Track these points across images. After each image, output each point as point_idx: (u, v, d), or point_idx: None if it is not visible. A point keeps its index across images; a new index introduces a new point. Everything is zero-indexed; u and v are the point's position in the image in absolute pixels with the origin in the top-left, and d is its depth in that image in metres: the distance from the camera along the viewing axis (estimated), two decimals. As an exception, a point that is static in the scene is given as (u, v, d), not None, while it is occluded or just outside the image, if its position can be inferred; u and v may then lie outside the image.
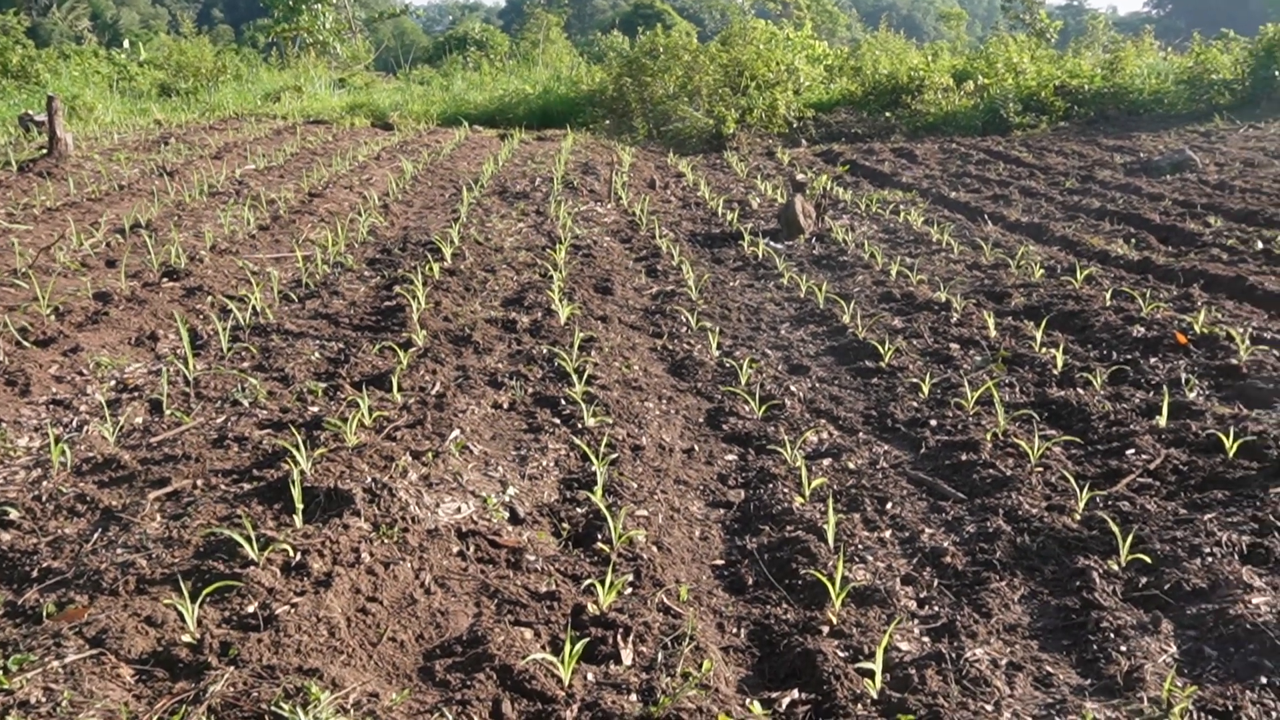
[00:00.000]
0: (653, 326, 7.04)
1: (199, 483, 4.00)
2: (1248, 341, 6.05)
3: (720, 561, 3.89)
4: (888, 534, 4.07)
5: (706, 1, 30.83)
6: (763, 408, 5.36)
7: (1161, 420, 4.96)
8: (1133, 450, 4.69)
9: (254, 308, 6.70)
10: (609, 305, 7.37)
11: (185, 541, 3.52)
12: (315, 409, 4.95)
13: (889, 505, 4.29)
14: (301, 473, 3.90)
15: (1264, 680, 2.96)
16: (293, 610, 3.04)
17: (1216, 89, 20.16)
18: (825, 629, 3.32)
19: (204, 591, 3.08)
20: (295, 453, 3.99)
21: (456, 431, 4.61)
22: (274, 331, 6.31)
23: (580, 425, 4.89)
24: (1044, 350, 6.16)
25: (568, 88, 24.00)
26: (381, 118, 22.04)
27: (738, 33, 21.95)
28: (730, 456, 4.89)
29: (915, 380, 5.75)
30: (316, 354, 5.91)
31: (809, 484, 4.30)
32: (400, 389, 5.19)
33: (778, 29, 23.21)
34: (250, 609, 3.07)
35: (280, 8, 30.70)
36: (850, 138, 19.58)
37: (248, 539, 3.32)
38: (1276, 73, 19.34)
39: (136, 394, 5.26)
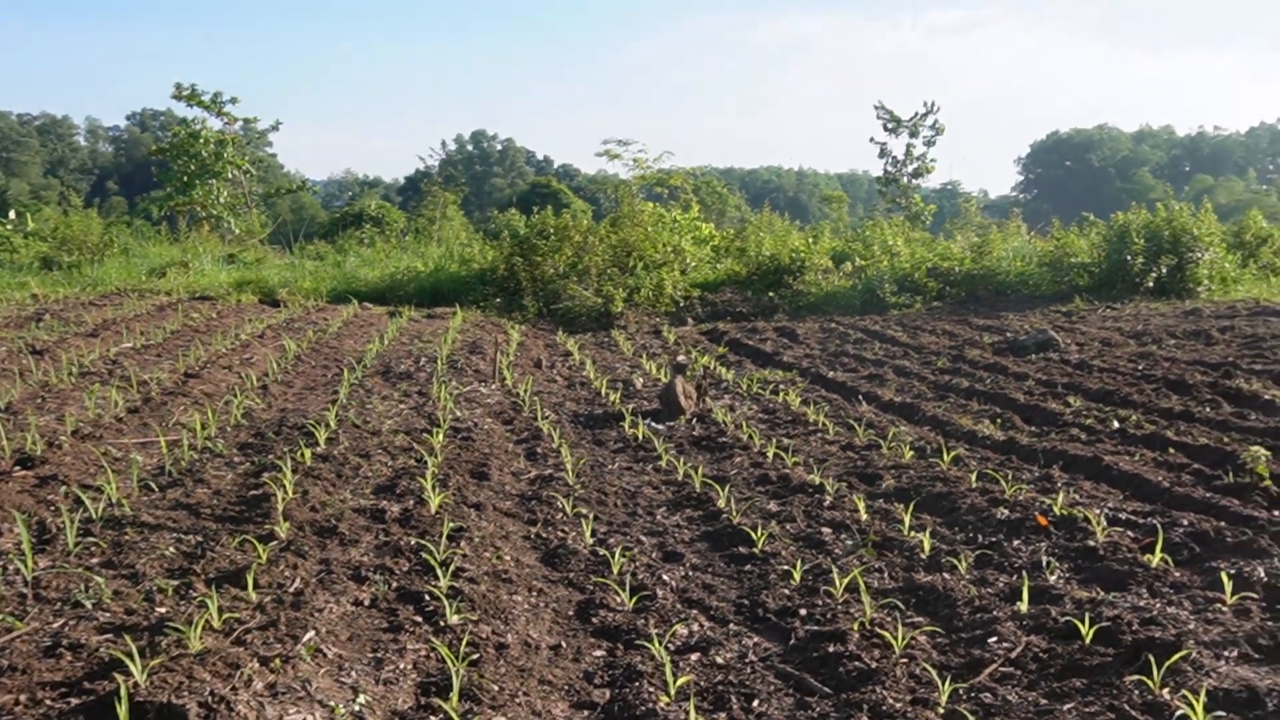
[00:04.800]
0: (528, 513, 6.96)
1: (22, 698, 3.75)
2: (1104, 522, 6.22)
3: (579, 770, 3.75)
4: (751, 735, 3.99)
5: (600, 184, 31.70)
6: (634, 599, 5.29)
7: (1023, 606, 5.03)
8: (995, 638, 4.72)
9: (110, 498, 6.45)
10: (484, 491, 7.29)
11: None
12: (163, 610, 4.73)
13: (755, 702, 4.22)
14: (135, 685, 3.68)
15: None
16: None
17: (1076, 271, 21.24)
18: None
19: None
20: (130, 663, 3.78)
21: (311, 633, 4.44)
22: (129, 524, 6.07)
23: (443, 623, 4.75)
24: (912, 534, 6.23)
25: (460, 265, 24.25)
26: (270, 294, 21.93)
27: (627, 214, 22.59)
28: (599, 652, 4.79)
29: (787, 567, 5.75)
30: (172, 549, 5.69)
31: (674, 682, 4.22)
32: (257, 586, 5.00)
33: (665, 211, 23.98)
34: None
35: (174, 182, 30.71)
36: (735, 316, 20.06)
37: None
38: (1129, 257, 20.47)
39: (-29, 596, 4.97)
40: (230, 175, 30.94)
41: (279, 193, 43.17)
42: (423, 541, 5.77)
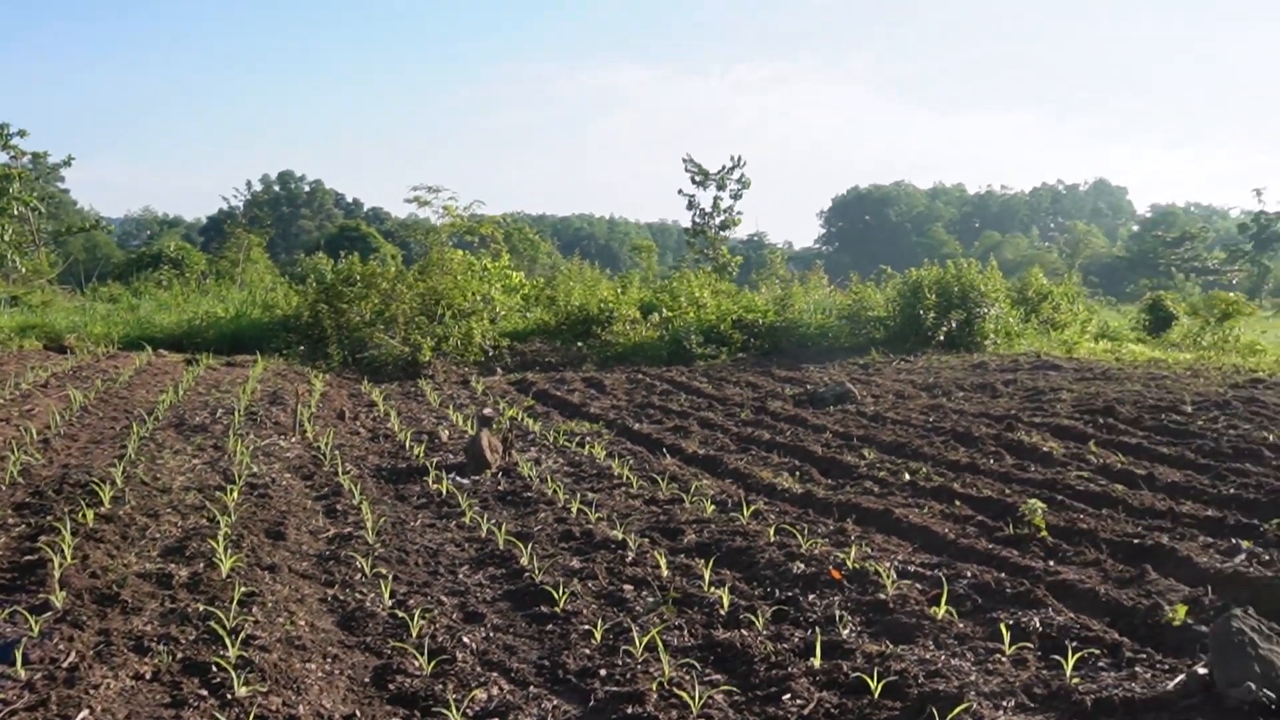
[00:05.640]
0: (325, 574, 6.79)
1: None
2: (894, 575, 6.49)
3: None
4: (547, 802, 3.98)
5: (411, 229, 31.44)
6: (433, 662, 5.22)
7: (816, 661, 5.19)
8: (789, 695, 4.86)
9: None
10: (280, 552, 7.07)
11: None
12: (-81, 692, 4.41)
13: (552, 768, 4.22)
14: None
15: None
16: None
17: (873, 325, 22.22)
18: None
19: None
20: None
21: (85, 712, 4.21)
22: (-115, 596, 5.65)
23: (230, 695, 4.58)
24: (712, 590, 6.36)
25: (263, 311, 23.59)
26: (57, 339, 20.82)
27: (436, 262, 22.42)
28: (394, 720, 4.71)
29: (589, 626, 5.79)
30: (-68, 622, 5.32)
31: (470, 750, 4.18)
32: (27, 663, 4.72)
33: (475, 259, 23.90)
34: None
35: (-46, 219, 28.83)
36: (544, 366, 20.12)
37: None
38: (921, 311, 21.54)
39: None
40: (16, 212, 29.25)
41: (70, 231, 41.13)
42: (212, 608, 5.56)
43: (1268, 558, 6.81)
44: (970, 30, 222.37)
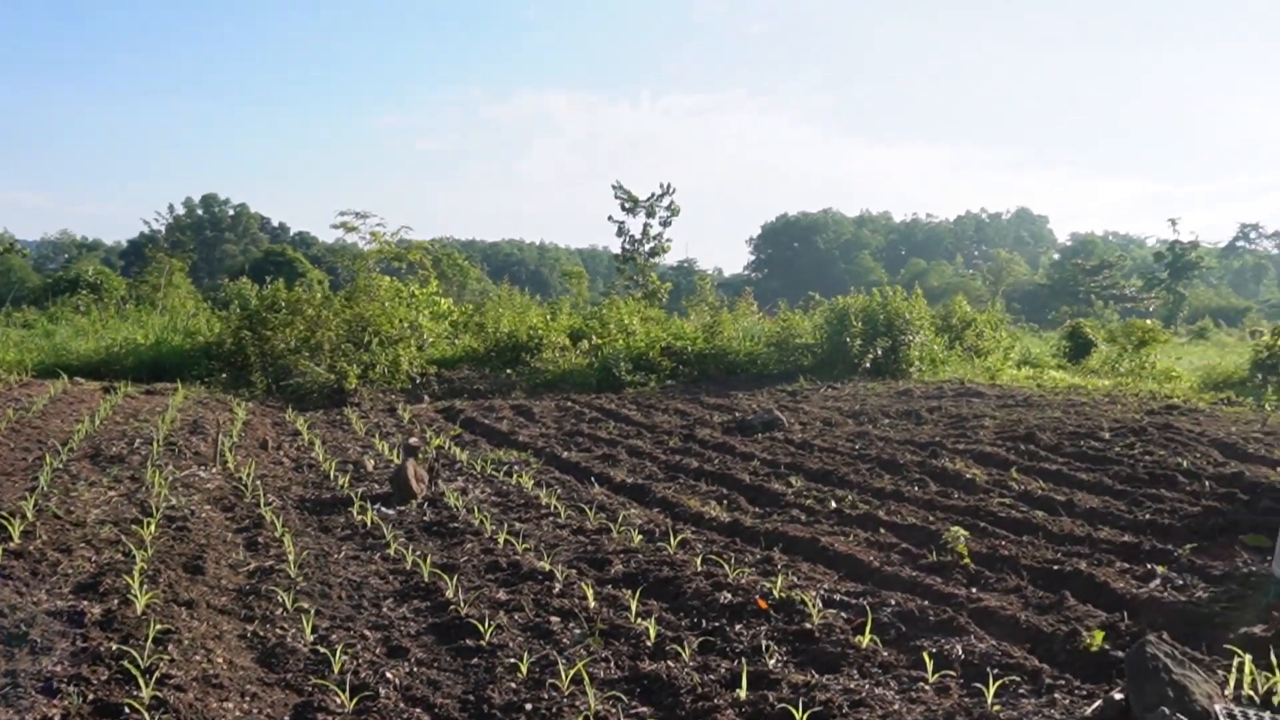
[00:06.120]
0: (245, 610, 6.65)
1: None
2: (820, 604, 6.53)
3: None
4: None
5: (338, 254, 31.16)
6: (355, 699, 5.13)
7: (742, 692, 5.19)
8: (714, 727, 4.85)
9: None
10: (198, 587, 6.91)
11: None
12: None
13: (475, 807, 4.16)
14: None
15: None
16: None
17: (801, 352, 22.41)
18: None
19: None
20: None
21: (-11, 758, 4.07)
22: None
23: (143, 738, 4.46)
24: (639, 620, 6.34)
25: (184, 338, 23.14)
26: (-34, 367, 20.23)
27: (363, 288, 22.22)
28: (314, 760, 4.61)
29: (515, 659, 5.73)
30: None
31: (391, 790, 4.11)
32: (-72, 707, 4.55)
33: (403, 286, 23.73)
34: None
35: None
36: (473, 394, 19.99)
37: None
38: (848, 339, 21.79)
39: None
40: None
41: (-18, 254, 40.06)
42: (125, 646, 5.41)
43: (1181, 582, 6.97)
44: (897, 63, 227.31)
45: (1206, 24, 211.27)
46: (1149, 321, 29.69)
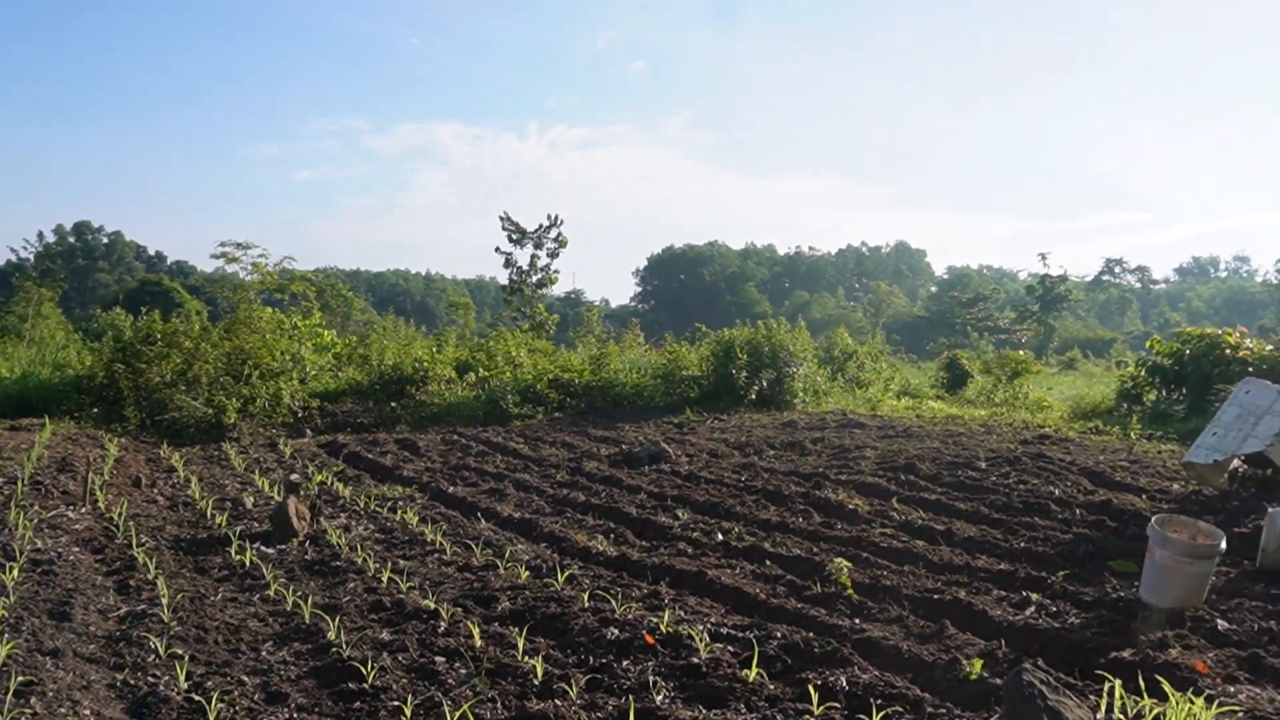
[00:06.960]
0: (115, 657, 6.39)
1: None
2: (707, 639, 6.55)
3: None
4: None
5: (218, 284, 30.41)
6: (231, 749, 4.96)
7: (629, 730, 5.16)
8: (600, 767, 4.81)
9: None
10: (64, 635, 6.63)
11: None
12: None
13: None
14: None
15: None
16: None
17: (687, 384, 22.58)
18: None
19: None
20: None
21: None
22: None
23: (3, 797, 4.25)
24: (526, 659, 6.27)
25: (53, 371, 22.24)
26: None
27: (243, 320, 21.69)
28: (187, 814, 4.44)
29: (398, 702, 5.61)
30: None
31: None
32: None
33: (285, 317, 23.24)
34: None
35: None
36: (356, 428, 19.65)
37: None
38: (734, 371, 22.03)
39: None
40: None
41: None
42: (-16, 700, 5.16)
43: (1055, 609, 7.18)
44: (778, 99, 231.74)
45: (1071, 70, 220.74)
46: (1022, 353, 30.68)
